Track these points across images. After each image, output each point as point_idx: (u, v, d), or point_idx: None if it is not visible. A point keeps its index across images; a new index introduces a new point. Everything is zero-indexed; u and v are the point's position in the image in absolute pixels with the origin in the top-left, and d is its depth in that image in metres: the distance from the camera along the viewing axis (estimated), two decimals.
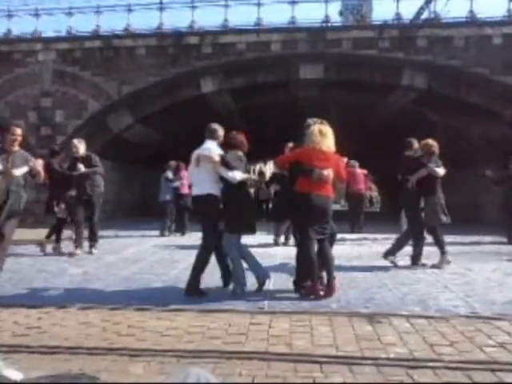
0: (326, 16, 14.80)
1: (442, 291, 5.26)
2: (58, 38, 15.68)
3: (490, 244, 9.62)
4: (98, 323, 4.00)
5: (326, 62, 14.22)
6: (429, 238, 7.04)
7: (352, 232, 11.61)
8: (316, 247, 5.05)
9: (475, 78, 13.65)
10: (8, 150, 5.16)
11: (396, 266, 6.78)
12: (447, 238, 7.03)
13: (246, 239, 5.45)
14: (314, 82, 14.49)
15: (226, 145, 5.31)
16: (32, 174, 5.33)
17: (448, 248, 6.94)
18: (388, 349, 3.38)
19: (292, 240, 7.06)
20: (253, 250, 5.49)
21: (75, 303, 4.57)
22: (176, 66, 14.73)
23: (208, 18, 47.22)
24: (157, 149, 16.79)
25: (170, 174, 11.46)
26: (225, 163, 5.09)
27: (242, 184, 5.22)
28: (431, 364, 3.10)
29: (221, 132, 5.40)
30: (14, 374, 2.83)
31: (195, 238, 7.97)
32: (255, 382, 2.85)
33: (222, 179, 5.18)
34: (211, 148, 5.23)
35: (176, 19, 21.72)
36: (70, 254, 7.85)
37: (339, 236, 6.72)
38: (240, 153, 5.31)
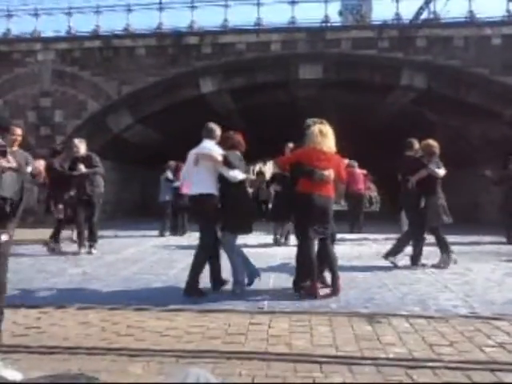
0: (326, 16, 14.79)
1: (441, 291, 5.26)
2: (57, 37, 15.64)
3: (490, 244, 9.61)
4: (97, 323, 4.00)
5: (326, 62, 14.21)
6: (429, 238, 7.05)
7: (351, 232, 11.61)
8: (316, 247, 5.05)
9: (475, 78, 13.64)
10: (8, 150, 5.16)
11: (396, 266, 6.77)
12: (447, 238, 7.02)
13: (246, 239, 5.44)
14: (313, 82, 14.48)
15: (224, 145, 5.29)
16: (33, 174, 5.33)
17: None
18: (387, 349, 3.38)
19: (292, 240, 7.06)
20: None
21: (74, 303, 4.57)
22: (176, 66, 14.71)
23: (208, 18, 47.27)
24: (156, 149, 16.77)
25: (169, 175, 11.45)
26: (227, 163, 5.07)
27: (241, 184, 5.21)
28: (431, 364, 3.10)
29: (218, 131, 5.39)
30: (13, 374, 2.84)
31: (194, 238, 7.96)
32: (255, 382, 2.85)
33: (220, 179, 5.16)
34: (211, 147, 5.23)
35: (176, 19, 21.81)
36: (75, 254, 7.98)
37: (339, 236, 6.73)
38: (238, 153, 5.31)
